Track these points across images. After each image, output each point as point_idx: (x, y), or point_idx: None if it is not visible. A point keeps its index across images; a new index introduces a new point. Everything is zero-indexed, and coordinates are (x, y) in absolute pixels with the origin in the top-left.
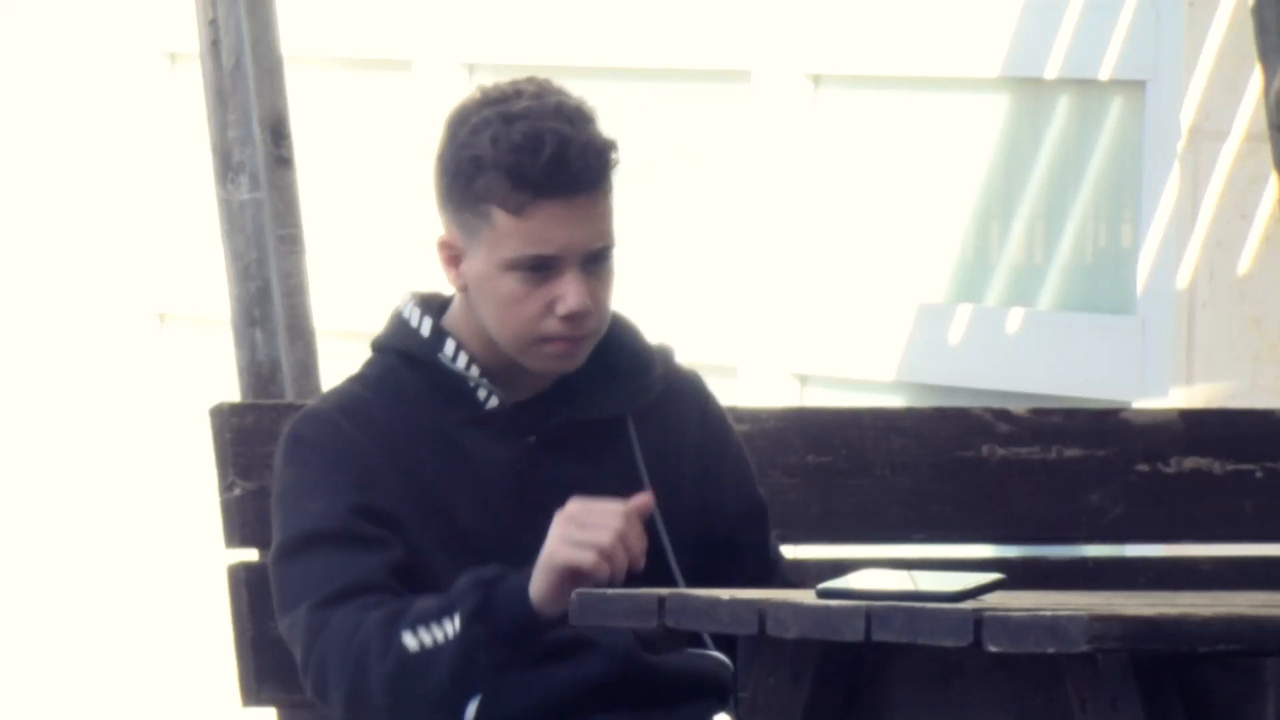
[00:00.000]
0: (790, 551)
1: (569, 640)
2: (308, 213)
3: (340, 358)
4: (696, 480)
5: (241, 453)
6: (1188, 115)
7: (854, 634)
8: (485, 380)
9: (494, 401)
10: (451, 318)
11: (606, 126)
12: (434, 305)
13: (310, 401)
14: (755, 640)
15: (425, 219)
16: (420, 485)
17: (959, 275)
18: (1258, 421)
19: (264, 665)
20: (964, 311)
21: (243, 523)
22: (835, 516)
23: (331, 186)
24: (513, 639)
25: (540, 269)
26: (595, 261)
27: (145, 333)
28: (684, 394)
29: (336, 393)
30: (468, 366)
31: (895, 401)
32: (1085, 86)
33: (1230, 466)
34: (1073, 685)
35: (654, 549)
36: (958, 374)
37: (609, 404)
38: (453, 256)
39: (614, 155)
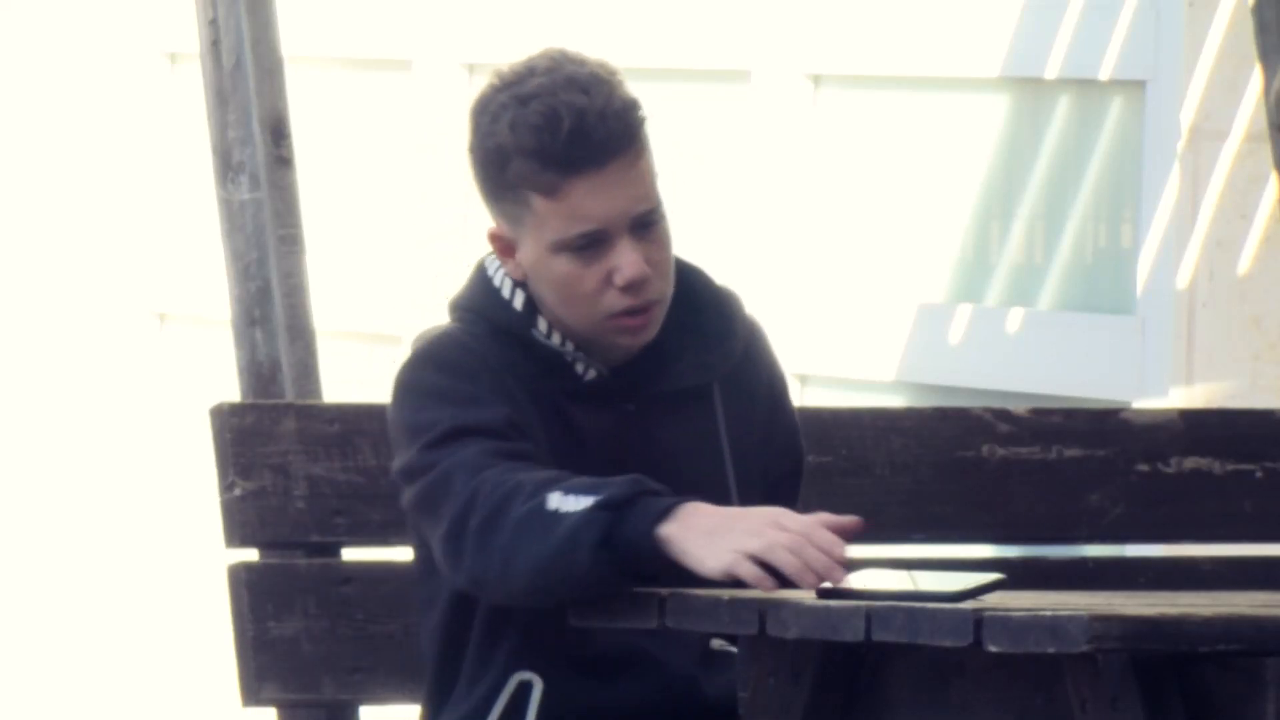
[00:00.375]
0: None
1: (630, 654)
2: (308, 213)
3: (340, 358)
4: (761, 443)
5: (241, 453)
6: (1188, 115)
7: (854, 634)
8: (581, 353)
9: (592, 373)
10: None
11: (628, 85)
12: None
13: (432, 338)
14: (755, 640)
15: (424, 219)
16: (539, 439)
17: (959, 275)
18: (1258, 421)
19: (264, 665)
20: (964, 311)
21: (243, 523)
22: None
23: (331, 186)
24: (629, 556)
25: (590, 245)
26: (644, 226)
27: (145, 333)
28: (755, 358)
29: (464, 330)
30: (562, 343)
31: (895, 401)
32: (1085, 86)
33: (1230, 466)
34: (1073, 685)
35: None
36: (958, 374)
37: (698, 372)
38: (505, 247)
39: (638, 114)
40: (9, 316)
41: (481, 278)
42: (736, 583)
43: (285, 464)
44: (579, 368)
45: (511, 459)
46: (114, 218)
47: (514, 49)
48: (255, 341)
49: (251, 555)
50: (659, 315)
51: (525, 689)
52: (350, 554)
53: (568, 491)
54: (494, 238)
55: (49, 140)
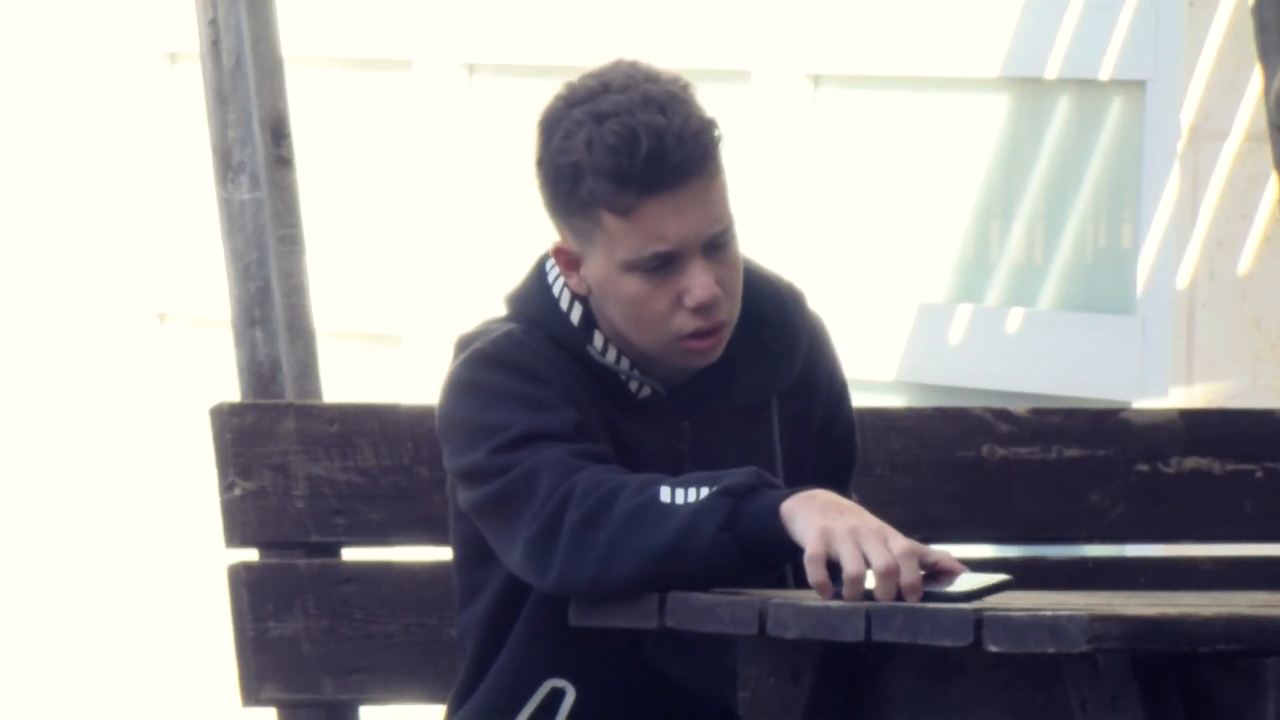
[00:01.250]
0: None
1: (662, 669)
2: (308, 213)
3: (340, 358)
4: (816, 440)
5: (241, 453)
6: (1188, 115)
7: (854, 634)
8: (636, 372)
9: (646, 391)
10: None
11: (702, 102)
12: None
13: (493, 336)
14: (755, 640)
15: (424, 219)
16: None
17: (959, 275)
18: (1258, 421)
19: (264, 665)
20: (964, 311)
21: (243, 523)
22: None
23: (331, 186)
24: (752, 538)
25: (661, 266)
26: (716, 246)
27: (145, 333)
28: (816, 360)
29: (526, 331)
30: (617, 360)
31: (895, 401)
32: (1085, 86)
33: (1230, 466)
34: (1073, 685)
35: None
36: (958, 374)
37: (757, 391)
38: (570, 261)
39: (715, 134)
40: (9, 316)
41: (540, 284)
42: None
43: (285, 464)
44: (633, 386)
45: (596, 460)
46: (114, 218)
47: (514, 49)
48: (255, 341)
49: (251, 555)
50: (726, 335)
51: (556, 696)
52: (350, 554)
53: (680, 485)
54: (559, 252)
55: (49, 140)
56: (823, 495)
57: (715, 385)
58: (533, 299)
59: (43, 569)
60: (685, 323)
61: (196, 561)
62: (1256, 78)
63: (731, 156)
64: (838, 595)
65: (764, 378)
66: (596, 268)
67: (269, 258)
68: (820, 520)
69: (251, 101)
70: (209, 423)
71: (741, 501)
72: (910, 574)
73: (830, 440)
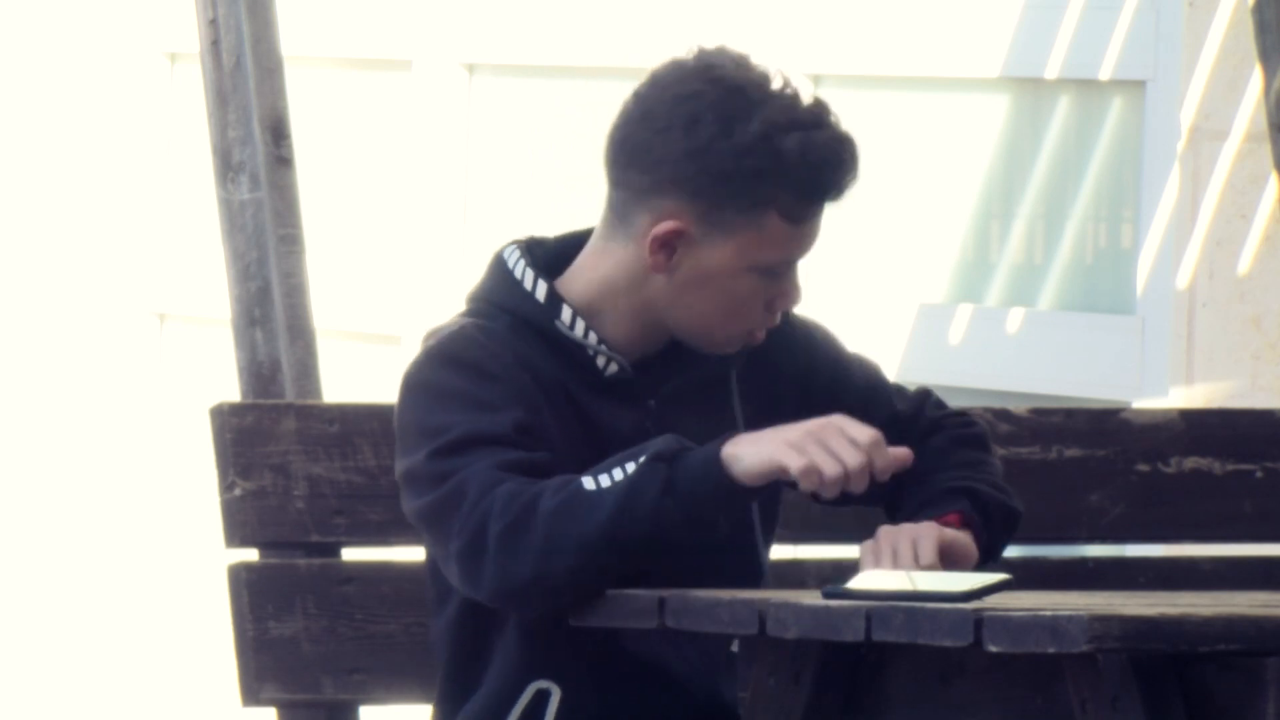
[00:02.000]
0: (790, 551)
1: (648, 661)
2: (308, 213)
3: (340, 358)
4: (801, 404)
5: (241, 453)
6: (1188, 115)
7: (854, 634)
8: (604, 347)
9: (614, 368)
10: (570, 282)
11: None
12: (540, 259)
13: (447, 332)
14: (755, 640)
15: (424, 219)
16: (553, 434)
17: (959, 275)
18: (1258, 421)
19: (264, 665)
20: (964, 311)
21: (243, 523)
22: (835, 516)
23: (331, 186)
24: (694, 495)
25: (781, 269)
26: None
27: (145, 333)
28: (792, 338)
29: (478, 326)
30: (585, 334)
31: None
32: (1085, 86)
33: (1230, 466)
34: (1073, 685)
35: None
36: (958, 374)
37: (717, 363)
38: (668, 244)
39: None
40: (9, 316)
41: (501, 270)
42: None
43: (285, 464)
44: (600, 361)
45: (528, 472)
46: (114, 218)
47: (514, 49)
48: (255, 341)
49: (251, 555)
50: None
51: (542, 697)
52: (350, 554)
53: (600, 471)
54: (673, 233)
55: (50, 140)
56: (749, 433)
57: (676, 359)
58: (495, 286)
59: (43, 569)
60: (763, 320)
61: (196, 561)
62: (1256, 78)
63: None
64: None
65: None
66: (715, 258)
67: (269, 258)
68: (771, 443)
69: (251, 101)
70: (209, 423)
71: (675, 463)
72: (883, 458)
73: (844, 396)
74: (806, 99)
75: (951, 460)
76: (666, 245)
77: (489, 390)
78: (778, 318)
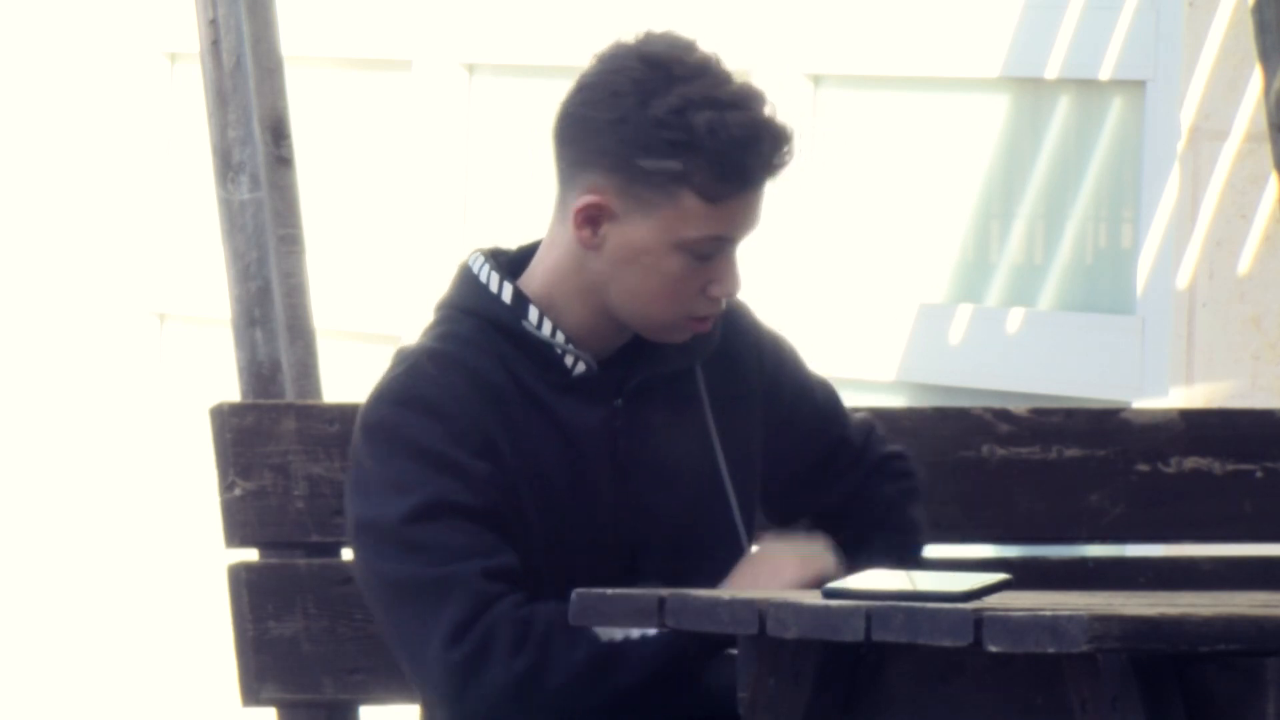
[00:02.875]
0: None
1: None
2: (308, 213)
3: (340, 358)
4: (764, 413)
5: (241, 453)
6: (1188, 115)
7: (854, 634)
8: (571, 346)
9: (581, 367)
10: (529, 279)
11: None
12: (504, 264)
13: (411, 360)
14: (755, 640)
15: (424, 219)
16: (523, 443)
17: (959, 275)
18: (1258, 421)
19: (264, 665)
20: (964, 311)
21: (243, 523)
22: None
23: (331, 186)
24: (719, 646)
25: (710, 252)
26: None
27: (145, 333)
28: (739, 329)
29: (432, 353)
30: (553, 333)
31: (895, 401)
32: (1085, 86)
33: (1230, 466)
34: (1073, 685)
35: (720, 500)
36: (958, 374)
37: (681, 356)
38: (594, 218)
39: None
40: (9, 316)
41: (467, 276)
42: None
43: (285, 464)
44: (568, 360)
45: (507, 578)
46: (114, 218)
47: (514, 49)
48: (255, 341)
49: (251, 555)
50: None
51: None
52: (350, 554)
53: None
54: (594, 206)
55: (49, 140)
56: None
57: (641, 355)
58: (462, 292)
59: (43, 569)
60: (702, 306)
61: (196, 561)
62: (1256, 78)
63: None
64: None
65: (688, 343)
66: (638, 235)
67: (269, 258)
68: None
69: (251, 101)
70: (209, 423)
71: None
72: None
73: (802, 416)
74: (735, 81)
75: (892, 520)
76: (591, 220)
77: (447, 437)
78: (721, 305)
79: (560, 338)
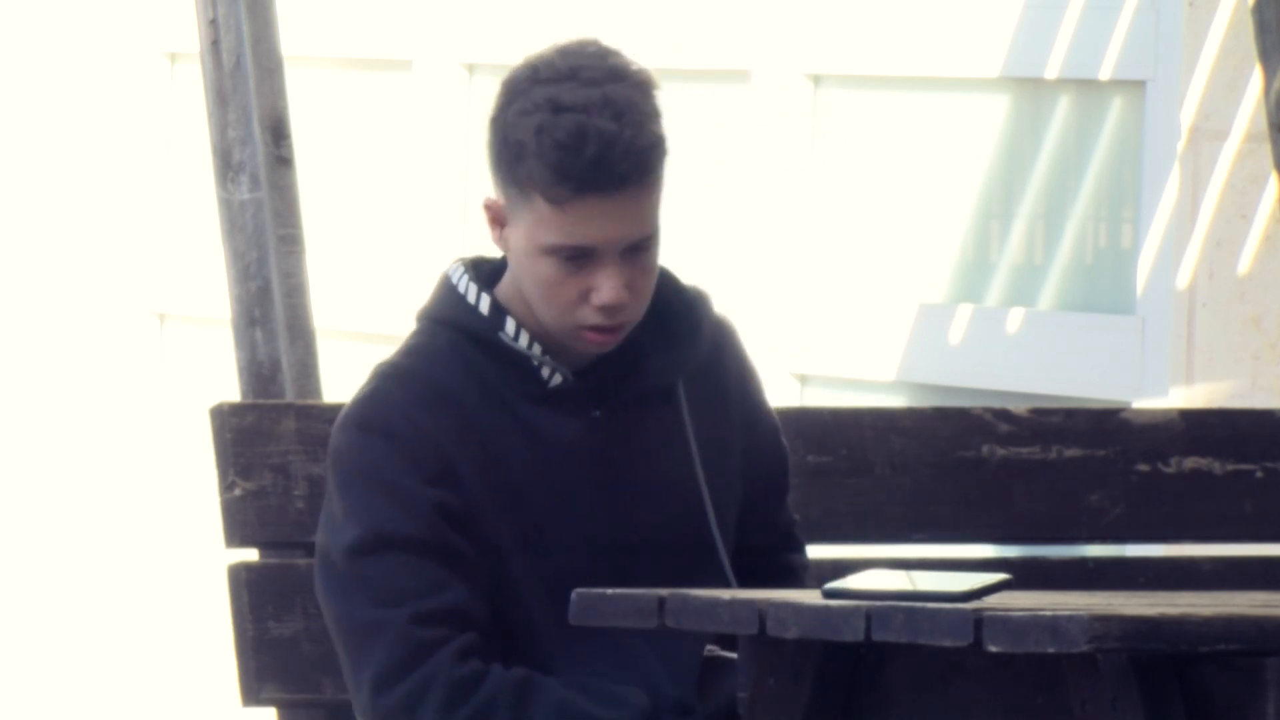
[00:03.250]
0: None
1: (620, 679)
2: (308, 213)
3: (340, 358)
4: (740, 441)
5: (241, 453)
6: (1188, 115)
7: (854, 634)
8: (548, 358)
9: (558, 379)
10: (505, 290)
11: (663, 116)
12: (484, 274)
13: (377, 381)
14: (755, 640)
15: (424, 219)
16: (495, 467)
17: (959, 275)
18: (1258, 421)
19: (264, 665)
20: (964, 311)
21: (243, 523)
22: (835, 516)
23: (331, 186)
24: None
25: (578, 258)
26: (635, 251)
27: (145, 333)
28: (723, 356)
29: (398, 371)
30: (530, 345)
31: (895, 401)
32: (1085, 86)
33: (1230, 466)
34: (1073, 685)
35: (697, 513)
36: (958, 374)
37: (664, 372)
38: (497, 218)
39: (661, 151)
40: (10, 316)
41: (446, 287)
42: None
43: (285, 464)
44: (545, 372)
45: (442, 621)
46: (114, 218)
47: (514, 49)
48: (255, 341)
49: (251, 555)
50: (625, 334)
51: None
52: None
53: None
54: (490, 205)
55: (49, 140)
56: None
57: (623, 369)
58: (441, 303)
59: (43, 569)
60: (589, 316)
61: (196, 561)
62: (1256, 78)
63: (731, 156)
64: None
65: (670, 358)
66: (519, 236)
67: (269, 258)
68: None
69: (251, 101)
70: (209, 423)
71: None
72: None
73: (756, 445)
74: (601, 87)
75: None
76: (495, 221)
77: (400, 462)
78: (612, 317)
79: (537, 349)
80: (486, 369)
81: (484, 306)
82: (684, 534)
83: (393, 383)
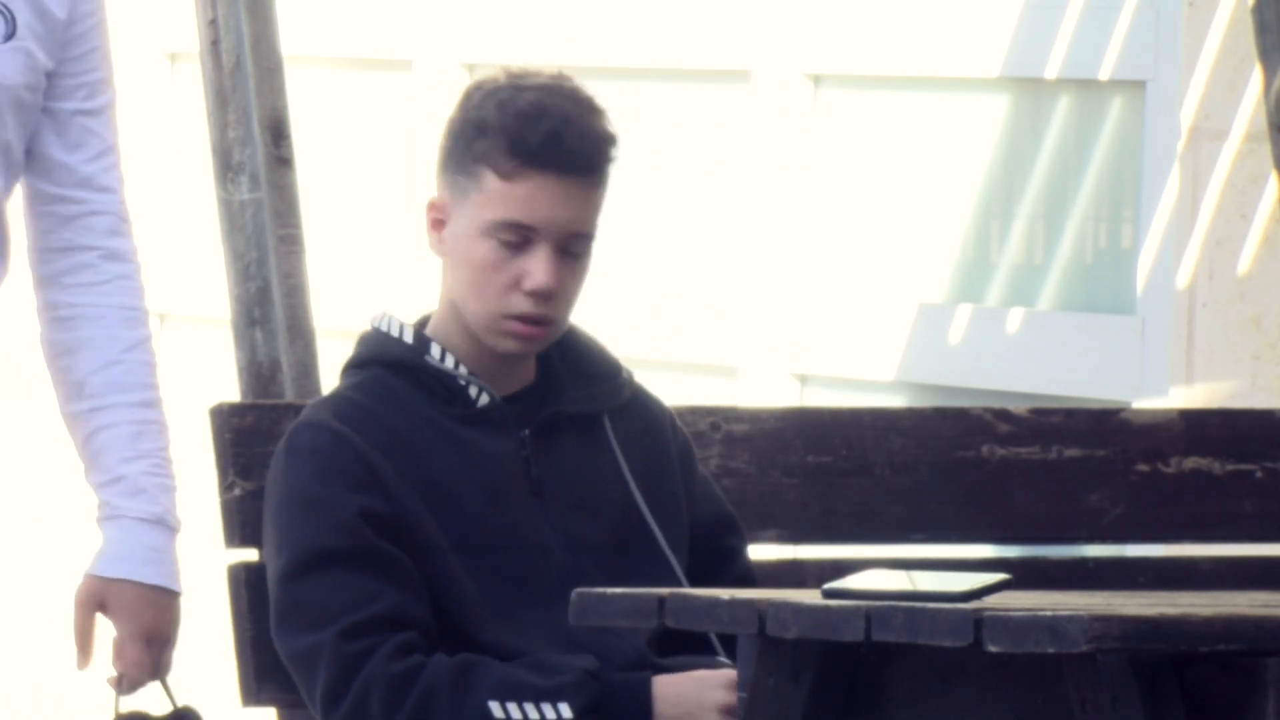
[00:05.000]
0: (790, 551)
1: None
2: (308, 213)
3: (340, 358)
4: (683, 482)
5: (241, 453)
6: (1188, 115)
7: (854, 634)
8: (475, 377)
9: (485, 399)
10: (433, 325)
11: (616, 125)
12: (416, 321)
13: (302, 414)
14: (755, 640)
15: (424, 219)
16: (426, 476)
17: (959, 275)
18: (1258, 421)
19: (264, 665)
20: (964, 311)
21: (243, 523)
22: (835, 516)
23: (331, 186)
24: None
25: (517, 240)
26: (570, 251)
27: None
28: (651, 405)
29: (327, 401)
30: (456, 366)
31: (895, 401)
32: (1085, 86)
33: (1230, 466)
34: (1073, 685)
35: (644, 534)
36: (958, 374)
37: (587, 402)
38: (438, 220)
39: (613, 150)
40: (10, 317)
41: (370, 331)
42: None
43: None
44: (473, 391)
45: (381, 627)
46: None
47: (514, 49)
48: (255, 341)
49: (251, 555)
50: (550, 336)
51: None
52: None
53: (506, 695)
54: (432, 207)
55: None
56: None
57: (546, 395)
58: (363, 345)
59: (43, 569)
60: (518, 303)
61: (197, 561)
62: (1256, 78)
63: (731, 156)
64: None
65: (590, 391)
66: (460, 226)
67: (269, 258)
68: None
69: (251, 101)
70: (209, 423)
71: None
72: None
73: (698, 497)
74: (555, 83)
75: None
76: (435, 225)
77: (321, 474)
78: (539, 306)
79: (464, 370)
80: (413, 396)
81: (408, 336)
82: (635, 553)
83: (319, 409)
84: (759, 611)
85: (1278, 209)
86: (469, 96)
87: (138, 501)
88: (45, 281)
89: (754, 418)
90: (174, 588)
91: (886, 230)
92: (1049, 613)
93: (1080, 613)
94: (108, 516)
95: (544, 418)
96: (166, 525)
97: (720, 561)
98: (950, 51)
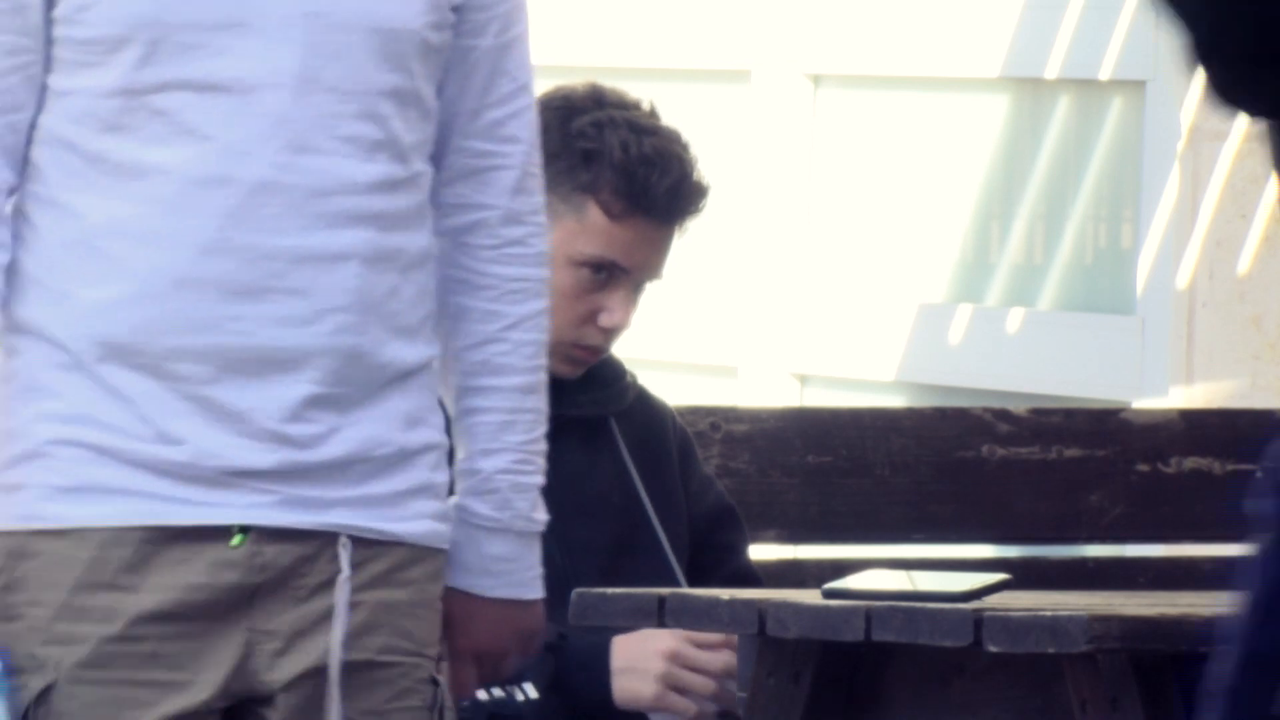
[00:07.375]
0: (790, 551)
1: None
2: None
3: None
4: (682, 477)
5: None
6: (1188, 115)
7: (854, 634)
8: None
9: None
10: None
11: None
12: None
13: None
14: (755, 640)
15: None
16: None
17: (959, 275)
18: (1258, 421)
19: None
20: (964, 311)
21: None
22: (835, 516)
23: None
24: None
25: (603, 276)
26: (640, 289)
27: None
28: (653, 404)
29: None
30: None
31: (895, 401)
32: (1085, 86)
33: (1230, 466)
34: (1073, 685)
35: (648, 536)
36: (958, 374)
37: (591, 405)
38: None
39: (705, 202)
40: None
41: None
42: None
43: None
44: None
45: None
46: None
47: None
48: None
49: None
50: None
51: None
52: None
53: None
54: None
55: None
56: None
57: (551, 398)
58: None
59: None
60: (590, 335)
61: None
62: None
63: (731, 156)
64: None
65: (595, 395)
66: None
67: None
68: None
69: None
70: None
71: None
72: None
73: (697, 492)
74: (663, 125)
75: None
76: None
77: None
78: (606, 342)
79: None
80: None
81: None
82: (637, 555)
83: None
84: (759, 611)
85: (1278, 209)
86: (565, 115)
87: (485, 504)
88: (439, 233)
89: (754, 418)
90: (514, 596)
91: (886, 230)
92: (1049, 613)
93: (1080, 613)
94: (457, 518)
95: (549, 420)
96: (514, 531)
97: (716, 558)
98: (950, 51)
